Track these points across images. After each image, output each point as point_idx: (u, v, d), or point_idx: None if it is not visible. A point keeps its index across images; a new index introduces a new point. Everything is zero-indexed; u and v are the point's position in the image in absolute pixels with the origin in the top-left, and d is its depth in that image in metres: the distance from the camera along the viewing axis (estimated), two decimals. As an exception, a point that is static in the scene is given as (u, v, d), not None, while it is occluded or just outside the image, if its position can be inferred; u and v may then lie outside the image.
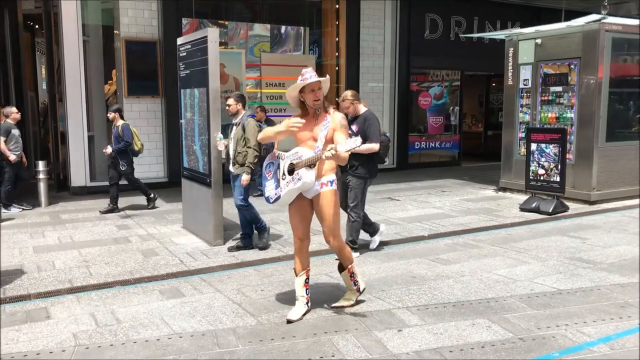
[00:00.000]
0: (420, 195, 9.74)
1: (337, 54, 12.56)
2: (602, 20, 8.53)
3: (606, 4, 9.04)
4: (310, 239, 4.39)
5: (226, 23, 12.31)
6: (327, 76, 4.30)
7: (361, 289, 4.51)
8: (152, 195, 8.70)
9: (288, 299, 4.67)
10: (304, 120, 4.11)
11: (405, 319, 4.22)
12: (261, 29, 12.72)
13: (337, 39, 12.51)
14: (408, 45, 12.98)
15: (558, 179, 8.23)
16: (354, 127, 5.66)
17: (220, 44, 10.83)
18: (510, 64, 9.74)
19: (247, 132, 5.91)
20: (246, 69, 12.00)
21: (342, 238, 4.34)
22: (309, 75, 4.05)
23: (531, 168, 8.57)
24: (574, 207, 8.44)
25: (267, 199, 4.23)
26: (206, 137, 6.27)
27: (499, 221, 7.59)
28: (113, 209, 8.39)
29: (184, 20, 11.02)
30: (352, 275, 4.42)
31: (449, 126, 14.43)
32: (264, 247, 6.20)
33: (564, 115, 8.92)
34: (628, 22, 9.02)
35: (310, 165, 3.99)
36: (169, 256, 5.96)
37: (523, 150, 9.24)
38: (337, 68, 12.62)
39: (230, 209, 8.25)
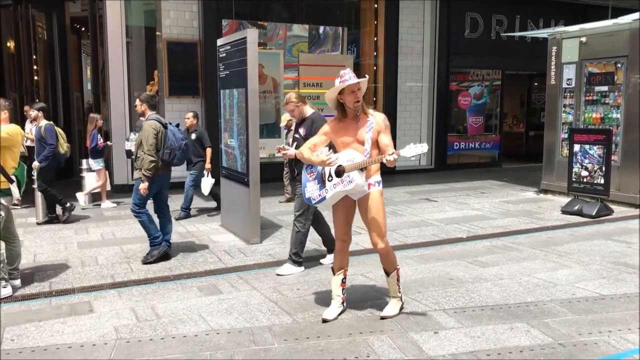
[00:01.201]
0: (459, 196, 9.62)
1: (375, 53, 12.52)
2: (651, 17, 8.25)
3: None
4: (351, 240, 4.39)
5: (265, 24, 12.42)
6: (366, 76, 4.28)
7: (403, 299, 4.42)
8: (67, 205, 7.72)
9: (324, 298, 4.68)
10: (329, 158, 4.01)
11: (442, 321, 4.17)
12: (299, 30, 12.79)
13: (375, 39, 12.46)
14: (448, 44, 12.82)
15: (602, 181, 7.99)
16: (301, 131, 5.30)
17: (259, 44, 10.94)
18: (553, 63, 9.50)
19: (141, 135, 5.59)
20: (284, 70, 12.08)
21: (388, 241, 4.26)
22: (348, 76, 3.99)
23: (574, 170, 8.35)
24: (618, 210, 8.18)
25: (309, 200, 4.22)
26: (245, 137, 6.34)
27: (540, 224, 7.43)
28: (52, 219, 7.60)
29: (224, 22, 11.17)
30: (398, 279, 4.32)
31: (489, 126, 14.19)
32: (148, 262, 5.68)
33: (609, 116, 8.66)
34: (679, 19, 8.68)
35: (362, 168, 3.96)
36: (207, 253, 6.06)
37: (565, 151, 9.01)
38: (375, 68, 12.57)
39: (267, 208, 8.35)
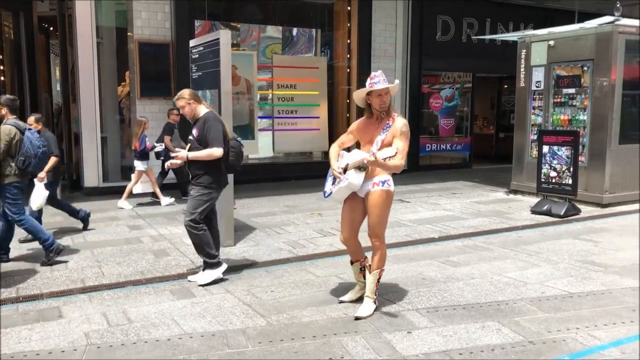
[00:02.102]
0: (431, 197, 9.72)
1: (348, 55, 12.56)
2: (616, 22, 8.47)
3: (619, 5, 8.95)
4: (355, 239, 4.46)
5: (238, 25, 12.38)
6: (397, 81, 4.43)
7: (376, 304, 4.43)
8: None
9: (298, 300, 4.69)
10: (335, 167, 4.26)
11: (415, 321, 4.22)
12: (273, 31, 12.78)
13: (348, 41, 12.51)
14: (420, 47, 12.95)
15: (570, 181, 8.18)
16: (194, 132, 5.10)
17: (232, 45, 10.88)
18: (523, 65, 9.69)
19: None
20: (258, 71, 12.04)
21: (384, 239, 4.35)
22: (378, 79, 4.14)
23: (543, 170, 8.53)
24: (586, 209, 8.38)
25: (324, 193, 4.40)
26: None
27: (510, 224, 7.55)
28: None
29: (197, 23, 11.08)
30: (378, 280, 4.38)
31: (460, 128, 14.39)
32: (48, 263, 5.59)
33: (576, 118, 8.86)
34: (642, 24, 8.94)
35: (360, 167, 4.08)
36: (180, 257, 6.00)
37: (535, 152, 9.19)
38: (348, 70, 12.62)
39: (241, 210, 8.31)
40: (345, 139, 4.50)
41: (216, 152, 4.96)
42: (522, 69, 9.69)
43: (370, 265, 4.44)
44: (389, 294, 4.81)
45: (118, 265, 5.68)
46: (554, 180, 8.39)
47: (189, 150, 5.08)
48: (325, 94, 12.57)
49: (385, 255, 4.39)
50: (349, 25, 12.48)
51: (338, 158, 4.37)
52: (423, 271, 5.51)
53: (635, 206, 8.65)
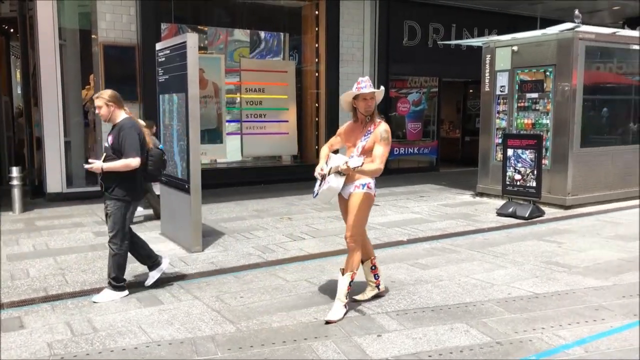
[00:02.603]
0: (400, 200, 9.81)
1: (317, 60, 12.59)
2: (576, 29, 8.70)
3: (579, 13, 9.22)
4: (365, 234, 4.61)
5: (205, 28, 12.27)
6: (382, 87, 4.55)
7: (347, 308, 4.43)
8: None
9: (268, 305, 4.66)
10: (319, 169, 4.41)
11: (385, 324, 4.24)
12: (241, 35, 12.72)
13: (316, 45, 12.54)
14: (387, 51, 13.07)
15: (534, 184, 8.35)
16: (109, 139, 4.83)
17: (200, 48, 10.78)
18: (487, 70, 9.87)
19: None
20: (226, 74, 11.96)
21: (359, 242, 4.44)
22: (364, 84, 4.31)
23: (508, 173, 8.69)
24: (549, 211, 8.58)
25: (313, 193, 4.52)
26: (185, 143, 6.23)
27: (477, 226, 7.67)
28: None
29: (163, 25, 10.95)
30: (350, 283, 4.42)
31: (427, 132, 14.56)
32: None
33: (539, 122, 9.07)
34: (601, 31, 9.23)
35: (339, 171, 4.20)
36: (147, 263, 5.89)
37: (500, 155, 9.36)
38: (317, 74, 12.65)
39: (209, 215, 8.22)
40: (334, 141, 4.67)
41: (132, 162, 4.68)
42: (487, 74, 9.88)
43: (343, 269, 4.48)
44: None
45: (83, 272, 5.54)
46: (518, 183, 8.56)
47: (104, 160, 4.81)
48: (294, 98, 12.57)
49: (359, 259, 4.47)
50: (317, 29, 12.51)
51: (327, 160, 4.47)
52: (392, 274, 5.54)
53: (597, 207, 8.90)
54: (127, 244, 4.92)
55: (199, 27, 12.05)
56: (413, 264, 5.89)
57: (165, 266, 5.25)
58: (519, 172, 8.54)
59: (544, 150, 8.68)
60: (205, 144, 10.99)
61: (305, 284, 5.23)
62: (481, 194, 10.03)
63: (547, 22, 11.68)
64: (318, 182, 4.48)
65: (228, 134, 12.18)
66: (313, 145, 12.79)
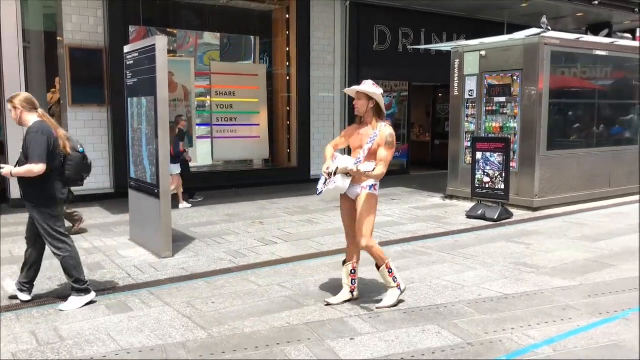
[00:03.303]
0: (371, 203, 9.83)
1: (287, 63, 12.58)
2: (542, 34, 8.90)
3: (545, 19, 9.43)
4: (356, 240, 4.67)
5: (175, 31, 12.16)
6: (377, 90, 4.60)
7: (402, 288, 4.71)
8: None
9: (240, 310, 4.62)
10: (326, 168, 4.54)
11: (358, 327, 4.24)
12: (211, 38, 12.64)
13: (287, 49, 12.53)
14: (357, 56, 13.14)
15: (502, 186, 8.49)
16: (23, 144, 4.62)
17: (169, 51, 10.65)
18: (456, 75, 10.01)
19: None
20: (195, 78, 11.86)
21: (372, 239, 4.60)
22: (360, 85, 4.62)
23: (477, 176, 8.82)
24: (518, 213, 8.73)
25: (316, 190, 4.61)
26: (154, 147, 6.14)
27: (447, 228, 7.76)
28: None
29: (131, 28, 10.80)
30: (390, 270, 4.64)
31: (398, 136, 14.64)
32: None
33: (507, 125, 9.23)
34: (565, 37, 9.46)
35: (347, 172, 4.39)
36: (116, 269, 5.78)
37: (469, 159, 9.49)
38: (288, 77, 12.64)
39: (179, 220, 8.12)
40: (339, 141, 4.83)
41: (35, 168, 4.43)
42: (456, 78, 10.02)
43: (376, 264, 4.69)
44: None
45: (48, 280, 5.40)
46: (487, 186, 8.69)
47: (16, 164, 4.64)
48: (265, 101, 12.53)
49: (379, 250, 4.65)
50: (287, 32, 12.51)
51: (333, 159, 4.58)
52: (364, 277, 5.55)
53: (563, 209, 9.10)
54: (67, 244, 4.70)
55: (168, 29, 11.93)
56: (385, 267, 5.91)
57: (87, 300, 4.77)
58: (488, 175, 8.67)
59: (511, 153, 8.84)
60: (175, 148, 10.86)
61: (277, 289, 5.20)
62: (451, 197, 10.15)
63: (514, 28, 11.93)
64: (322, 181, 4.57)
65: (198, 137, 12.07)
66: (285, 148, 12.77)
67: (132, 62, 6.73)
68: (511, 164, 8.76)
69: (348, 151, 4.86)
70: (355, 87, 4.61)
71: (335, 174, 4.44)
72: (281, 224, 8.03)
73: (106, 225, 7.97)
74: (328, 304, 4.68)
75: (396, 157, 14.53)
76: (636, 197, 10.29)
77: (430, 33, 14.36)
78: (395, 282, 4.68)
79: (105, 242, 6.98)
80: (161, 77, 5.96)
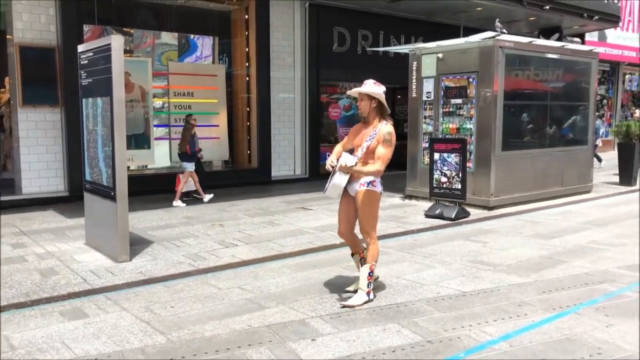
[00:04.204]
0: (333, 204, 9.83)
1: (247, 64, 12.50)
2: (496, 37, 9.12)
3: (499, 23, 9.67)
4: (351, 233, 4.93)
5: (131, 31, 11.91)
6: (378, 89, 4.69)
7: (370, 297, 4.76)
8: None
9: (200, 314, 4.56)
10: (329, 163, 4.67)
11: (319, 328, 4.25)
12: (169, 38, 12.44)
13: (247, 49, 12.45)
14: (317, 57, 13.17)
15: (459, 186, 8.66)
16: None
17: (125, 52, 10.44)
18: (414, 77, 10.15)
19: None
20: (153, 78, 11.65)
21: (374, 234, 4.76)
22: (360, 87, 4.72)
23: (434, 176, 8.97)
24: (474, 212, 8.92)
25: (324, 190, 4.75)
26: (110, 149, 6.00)
27: (406, 228, 7.86)
28: None
29: (85, 27, 10.52)
30: (370, 274, 4.73)
31: (358, 136, 14.76)
32: None
33: (463, 126, 9.42)
34: (519, 40, 9.72)
35: (344, 171, 4.55)
36: (71, 275, 5.62)
37: (427, 159, 9.64)
38: (247, 78, 12.56)
39: (136, 223, 7.96)
40: (346, 141, 4.96)
41: None
42: (414, 80, 10.16)
43: (365, 258, 4.87)
44: (292, 303, 4.81)
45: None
46: (445, 186, 8.85)
47: None
48: (224, 102, 12.42)
49: (376, 251, 4.78)
50: (247, 33, 12.43)
51: (339, 157, 4.66)
52: (326, 277, 5.58)
53: (518, 208, 9.34)
54: None
55: (124, 29, 11.68)
56: (346, 267, 5.95)
57: None
58: (445, 175, 8.83)
59: (468, 154, 9.02)
60: (132, 149, 10.66)
61: (238, 291, 5.16)
62: (410, 197, 10.29)
63: (470, 31, 12.19)
64: (329, 180, 4.71)
65: (156, 139, 11.86)
66: (245, 149, 12.69)
67: (86, 61, 6.56)
68: (467, 164, 8.93)
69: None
70: (357, 89, 4.71)
71: (334, 172, 4.62)
72: (242, 225, 7.97)
73: (60, 230, 7.74)
74: (346, 291, 4.95)
75: (356, 158, 14.62)
76: (587, 196, 10.68)
77: (388, 35, 14.52)
78: (368, 287, 4.75)
79: (60, 247, 6.77)
80: (117, 77, 5.83)
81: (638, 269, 5.83)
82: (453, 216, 8.35)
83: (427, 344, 3.97)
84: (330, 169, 4.65)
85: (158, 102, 11.95)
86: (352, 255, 5.07)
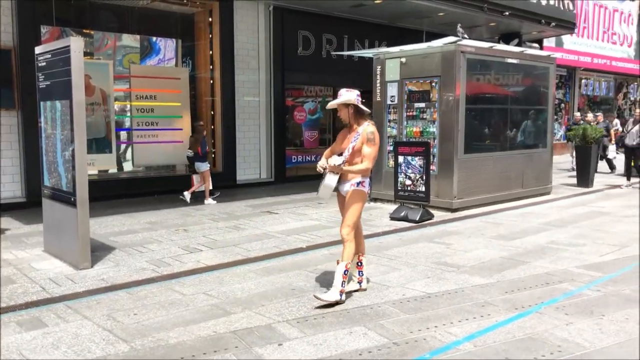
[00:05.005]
0: (299, 207, 9.88)
1: (211, 67, 12.39)
2: (458, 42, 9.29)
3: (460, 28, 9.85)
4: (359, 231, 5.16)
5: (92, 32, 11.65)
6: (346, 96, 4.99)
7: (342, 297, 4.84)
8: None
9: (164, 321, 4.48)
10: (323, 164, 4.92)
11: (286, 333, 4.23)
12: (130, 40, 12.22)
13: (211, 52, 12.34)
14: (282, 61, 13.15)
15: (423, 189, 8.77)
16: None
17: (86, 54, 10.21)
18: (378, 81, 10.25)
19: None
20: (115, 81, 11.42)
21: (352, 234, 4.94)
22: (337, 98, 5.01)
23: (399, 179, 9.06)
24: (438, 214, 9.04)
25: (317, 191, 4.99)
26: (70, 153, 5.85)
27: (372, 230, 7.91)
28: None
29: (43, 28, 10.24)
30: (345, 272, 4.84)
31: (323, 140, 14.83)
32: None
33: (427, 130, 9.56)
34: (480, 45, 9.92)
35: (333, 171, 4.81)
36: (28, 283, 5.44)
37: (391, 162, 9.73)
38: (211, 81, 12.44)
39: (98, 229, 7.78)
40: (334, 146, 5.18)
41: None
42: (378, 84, 10.25)
43: (339, 260, 4.99)
44: (259, 308, 4.78)
45: (-49, 297, 5.00)
46: (409, 188, 8.94)
47: None
48: (187, 105, 12.26)
49: (352, 251, 4.93)
50: (210, 36, 12.32)
51: (326, 159, 4.96)
52: (292, 282, 5.56)
53: (480, 209, 9.51)
54: None
55: (84, 31, 11.41)
56: (312, 270, 5.94)
57: None
58: (410, 178, 8.93)
59: (431, 157, 9.14)
60: (93, 153, 10.42)
61: (203, 297, 5.10)
62: (375, 199, 10.36)
63: (433, 36, 12.36)
64: (321, 182, 4.96)
65: (118, 142, 11.63)
66: (209, 153, 12.55)
67: (44, 63, 6.38)
68: (431, 167, 9.05)
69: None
70: (334, 102, 4.99)
71: (324, 174, 4.86)
72: (206, 230, 7.88)
73: (17, 237, 7.50)
74: (341, 292, 4.92)
75: (322, 162, 14.65)
76: (546, 197, 10.96)
77: (353, 39, 14.61)
78: (342, 286, 4.84)
79: (17, 255, 6.56)
80: (77, 79, 5.70)
81: (596, 268, 6.02)
82: (417, 218, 8.45)
83: (394, 345, 4.00)
84: (322, 170, 4.89)
85: (120, 106, 11.72)
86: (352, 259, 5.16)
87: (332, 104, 5.04)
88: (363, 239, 5.33)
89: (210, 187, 10.45)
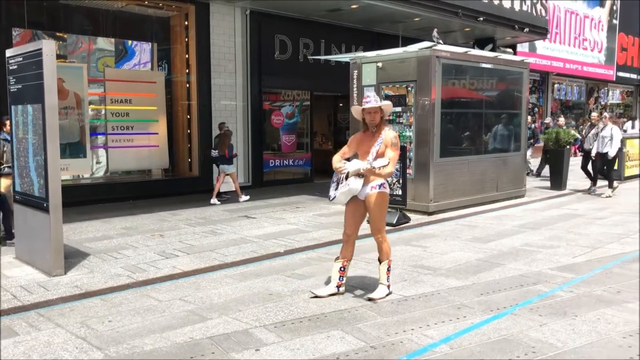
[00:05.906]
0: (276, 212, 9.85)
1: (187, 70, 12.30)
2: (433, 47, 9.38)
3: (436, 33, 9.96)
4: (357, 235, 5.23)
5: (65, 35, 11.47)
6: (389, 102, 5.25)
7: (390, 290, 5.15)
8: None
9: (139, 328, 4.42)
10: (340, 165, 4.95)
11: (263, 338, 4.21)
12: (105, 43, 12.06)
13: (187, 56, 12.26)
14: (259, 65, 13.13)
15: (400, 192, 8.83)
16: None
17: (59, 57, 10.05)
18: (355, 85, 10.29)
19: None
20: (89, 85, 11.26)
21: (385, 234, 5.10)
22: (369, 100, 4.92)
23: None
24: (415, 217, 9.11)
25: (329, 197, 5.10)
26: (42, 158, 5.75)
27: (350, 234, 7.91)
28: None
29: (15, 31, 10.06)
30: (389, 269, 5.12)
31: (301, 144, 14.82)
32: None
33: (403, 134, 9.62)
34: (455, 50, 10.04)
35: (359, 174, 4.83)
36: (-1, 291, 5.33)
37: (369, 166, 9.74)
38: (188, 85, 12.35)
39: (71, 235, 7.65)
40: (346, 150, 5.22)
41: None
42: (355, 89, 10.29)
43: (379, 258, 5.17)
44: (236, 313, 4.75)
45: None
46: (387, 192, 8.96)
47: None
48: (163, 109, 12.15)
49: (389, 247, 5.15)
50: (186, 39, 12.24)
51: (348, 165, 4.97)
52: (269, 286, 5.54)
53: (456, 212, 9.61)
54: None
55: (57, 34, 11.23)
56: (290, 275, 5.93)
57: None
58: (386, 181, 8.94)
59: (408, 161, 9.20)
60: (66, 158, 10.26)
61: (179, 303, 5.05)
62: (353, 204, 10.36)
63: (408, 40, 12.48)
64: (333, 187, 5.02)
65: (93, 147, 11.47)
66: (185, 158, 12.46)
67: (15, 67, 6.27)
68: (407, 171, 9.12)
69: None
70: (378, 103, 4.92)
71: (347, 177, 4.88)
72: (182, 235, 7.81)
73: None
74: (315, 296, 5.08)
75: (300, 166, 14.68)
76: (520, 200, 11.13)
77: (330, 44, 14.66)
78: (388, 281, 5.12)
79: (-13, 262, 6.41)
80: (49, 83, 5.61)
81: (569, 270, 6.12)
82: (395, 222, 8.49)
83: (371, 349, 4.01)
84: (344, 172, 4.89)
85: (94, 110, 11.56)
86: (336, 259, 5.23)
87: (372, 106, 4.90)
88: (354, 246, 5.28)
89: (225, 189, 10.93)
